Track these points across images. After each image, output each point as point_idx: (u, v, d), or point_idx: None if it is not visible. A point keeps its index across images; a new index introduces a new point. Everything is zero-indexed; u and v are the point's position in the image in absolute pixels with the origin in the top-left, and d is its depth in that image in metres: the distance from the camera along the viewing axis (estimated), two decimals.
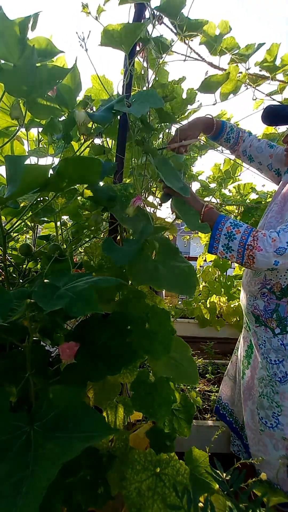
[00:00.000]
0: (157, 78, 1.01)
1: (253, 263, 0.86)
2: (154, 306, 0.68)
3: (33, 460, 0.35)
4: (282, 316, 1.05)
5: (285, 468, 1.00)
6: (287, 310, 1.04)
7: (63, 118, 0.84)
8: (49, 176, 0.54)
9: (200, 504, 0.57)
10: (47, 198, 0.75)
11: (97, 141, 0.88)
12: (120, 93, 0.87)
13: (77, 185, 0.73)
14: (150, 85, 0.99)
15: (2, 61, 0.56)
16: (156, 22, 0.87)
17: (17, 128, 0.63)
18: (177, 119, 1.26)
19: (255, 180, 5.58)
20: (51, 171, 0.54)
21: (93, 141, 0.80)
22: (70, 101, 0.76)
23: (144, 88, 0.98)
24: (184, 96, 1.20)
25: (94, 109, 0.81)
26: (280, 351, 1.06)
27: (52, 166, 0.55)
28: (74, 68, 0.71)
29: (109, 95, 0.93)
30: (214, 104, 1.22)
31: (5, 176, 0.95)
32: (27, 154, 0.83)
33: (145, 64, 0.96)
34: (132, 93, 0.82)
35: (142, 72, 0.97)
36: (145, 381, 0.69)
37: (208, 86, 1.10)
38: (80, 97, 0.82)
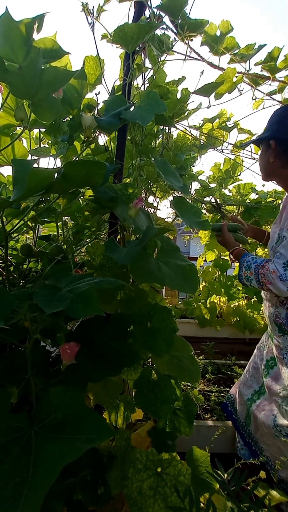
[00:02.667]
0: (154, 77, 1.00)
1: (275, 293, 0.98)
2: (156, 304, 0.69)
3: (34, 462, 0.35)
4: None
5: None
6: None
7: (66, 119, 0.84)
8: (54, 178, 0.54)
9: (202, 505, 0.57)
10: (48, 198, 0.75)
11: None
12: (116, 87, 0.87)
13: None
14: (148, 83, 0.99)
15: (8, 63, 0.56)
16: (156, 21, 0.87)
17: (22, 129, 0.63)
18: (176, 120, 1.26)
19: (255, 180, 5.57)
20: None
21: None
22: (75, 102, 0.75)
23: (141, 88, 0.98)
24: (178, 96, 1.20)
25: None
26: None
27: (58, 170, 0.55)
28: (81, 70, 0.71)
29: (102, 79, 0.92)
30: (208, 107, 1.23)
31: (5, 175, 0.96)
32: (28, 153, 0.83)
33: (145, 61, 0.95)
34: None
35: (142, 70, 0.97)
36: (148, 379, 0.69)
37: (204, 90, 1.11)
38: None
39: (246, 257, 1.05)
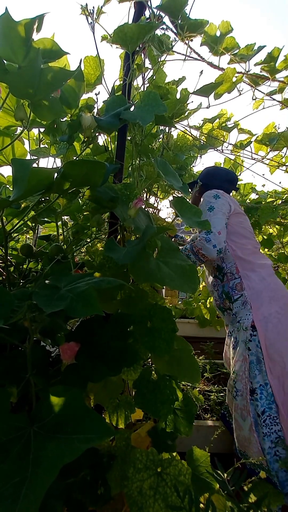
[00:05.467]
0: (154, 77, 1.00)
1: (206, 257, 1.24)
2: (157, 304, 0.69)
3: (33, 462, 0.34)
4: (227, 292, 1.29)
5: (255, 439, 1.03)
6: (229, 285, 1.30)
7: (65, 119, 0.84)
8: (54, 178, 0.54)
9: (201, 505, 0.57)
10: (48, 198, 0.75)
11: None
12: (116, 87, 0.87)
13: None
14: (147, 84, 0.99)
15: (7, 63, 0.56)
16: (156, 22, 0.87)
17: (22, 129, 0.63)
18: (176, 120, 1.26)
19: (255, 180, 5.59)
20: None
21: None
22: (73, 102, 0.75)
23: (141, 88, 0.98)
24: (178, 96, 1.20)
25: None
26: (234, 321, 1.27)
27: (58, 169, 0.55)
28: (79, 70, 0.71)
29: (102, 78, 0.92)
30: (207, 108, 1.23)
31: (5, 176, 0.96)
32: (27, 153, 0.83)
33: (145, 61, 0.95)
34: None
35: (142, 70, 0.97)
36: (148, 379, 0.69)
37: (203, 91, 1.11)
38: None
39: (183, 247, 1.38)
